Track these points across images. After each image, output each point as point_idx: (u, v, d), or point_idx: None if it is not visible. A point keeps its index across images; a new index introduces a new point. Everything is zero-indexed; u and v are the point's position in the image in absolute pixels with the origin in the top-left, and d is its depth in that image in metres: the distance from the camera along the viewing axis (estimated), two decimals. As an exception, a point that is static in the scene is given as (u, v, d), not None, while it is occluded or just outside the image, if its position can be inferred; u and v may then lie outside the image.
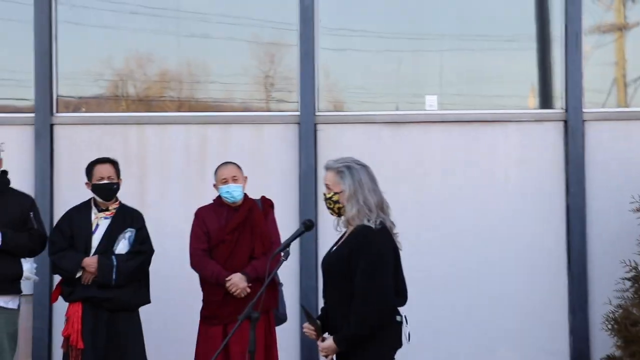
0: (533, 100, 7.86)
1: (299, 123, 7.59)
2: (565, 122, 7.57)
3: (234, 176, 6.43)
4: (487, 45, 7.70)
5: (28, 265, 6.43)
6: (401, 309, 4.83)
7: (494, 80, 7.73)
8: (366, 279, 4.67)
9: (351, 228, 4.82)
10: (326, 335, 4.78)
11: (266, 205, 6.54)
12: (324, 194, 4.91)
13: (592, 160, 7.53)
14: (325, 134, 7.61)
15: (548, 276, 7.51)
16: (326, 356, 4.78)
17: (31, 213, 6.41)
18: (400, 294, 4.85)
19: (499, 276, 7.50)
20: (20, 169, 7.36)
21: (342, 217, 4.87)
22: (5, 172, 6.43)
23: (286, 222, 6.82)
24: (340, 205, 4.83)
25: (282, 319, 6.50)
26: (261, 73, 7.85)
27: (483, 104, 7.73)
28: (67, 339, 6.37)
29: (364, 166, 4.89)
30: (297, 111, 7.63)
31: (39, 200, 7.04)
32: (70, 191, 7.28)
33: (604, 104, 7.74)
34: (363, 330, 4.66)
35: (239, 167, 6.52)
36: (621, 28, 7.81)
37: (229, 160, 6.61)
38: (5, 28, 7.85)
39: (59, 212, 7.06)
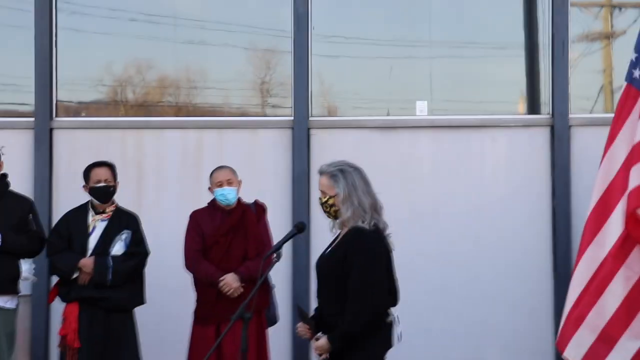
0: (522, 106, 7.96)
1: (292, 128, 7.66)
2: (552, 127, 7.61)
3: (229, 179, 6.50)
4: (477, 52, 7.76)
5: (27, 266, 6.50)
6: (393, 309, 4.91)
7: (482, 87, 7.77)
8: (359, 278, 4.75)
9: (345, 230, 4.90)
10: (320, 334, 4.85)
11: (259, 209, 6.61)
12: (320, 199, 4.99)
13: (577, 165, 7.54)
14: (318, 138, 7.67)
15: (534, 278, 7.54)
16: (320, 355, 4.87)
17: (30, 215, 6.51)
18: (392, 294, 4.94)
19: (487, 278, 7.54)
20: (20, 172, 7.41)
21: (338, 220, 4.96)
22: (5, 175, 6.51)
23: (279, 225, 6.86)
24: (336, 209, 4.91)
25: (273, 320, 6.55)
26: (257, 79, 7.91)
27: (471, 110, 7.77)
28: (63, 338, 6.44)
29: (357, 168, 4.98)
30: (291, 116, 7.69)
31: (38, 203, 7.08)
32: (69, 194, 7.31)
33: (592, 110, 7.78)
34: (356, 328, 4.75)
35: (233, 170, 6.58)
36: (608, 36, 7.89)
37: (224, 164, 6.70)
38: (7, 34, 7.92)
39: (57, 215, 7.13)
